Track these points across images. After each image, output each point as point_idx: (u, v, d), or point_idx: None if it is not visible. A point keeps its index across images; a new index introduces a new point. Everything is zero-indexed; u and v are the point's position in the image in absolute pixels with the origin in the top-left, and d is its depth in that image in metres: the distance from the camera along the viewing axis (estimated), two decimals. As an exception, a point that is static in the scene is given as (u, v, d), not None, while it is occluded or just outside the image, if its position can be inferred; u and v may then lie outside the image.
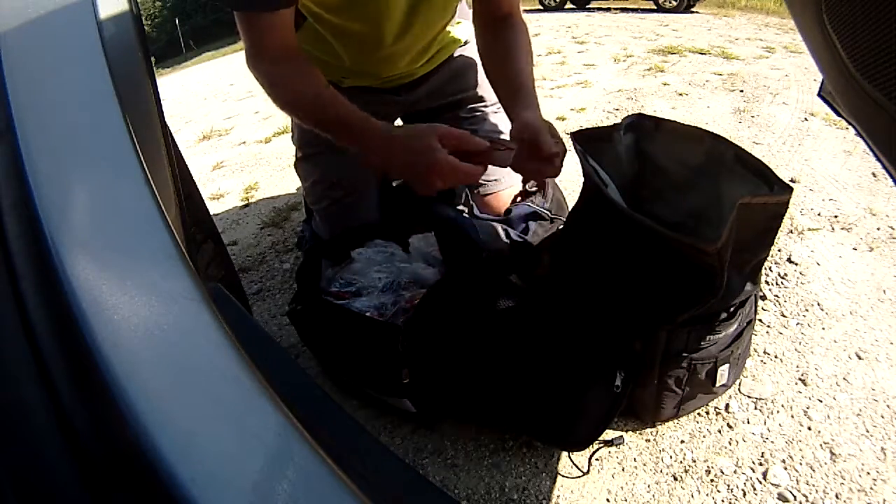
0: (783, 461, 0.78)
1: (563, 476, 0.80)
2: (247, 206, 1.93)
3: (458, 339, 0.82)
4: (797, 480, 0.75)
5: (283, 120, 2.97)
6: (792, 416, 0.85)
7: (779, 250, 1.25)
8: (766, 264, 1.19)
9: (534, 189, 1.17)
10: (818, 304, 1.07)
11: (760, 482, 0.75)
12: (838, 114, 0.47)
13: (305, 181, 1.16)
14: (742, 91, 2.48)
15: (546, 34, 4.81)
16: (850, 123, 0.44)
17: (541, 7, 7.83)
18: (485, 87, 1.14)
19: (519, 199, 1.16)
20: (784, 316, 1.06)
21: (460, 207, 1.10)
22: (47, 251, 0.31)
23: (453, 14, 1.01)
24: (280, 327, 1.22)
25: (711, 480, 0.77)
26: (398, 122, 1.37)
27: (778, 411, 0.86)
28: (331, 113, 0.80)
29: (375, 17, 0.90)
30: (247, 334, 0.40)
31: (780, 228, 0.74)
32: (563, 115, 2.34)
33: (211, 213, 0.98)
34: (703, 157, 0.81)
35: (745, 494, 0.74)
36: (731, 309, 0.76)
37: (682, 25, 4.99)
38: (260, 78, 0.82)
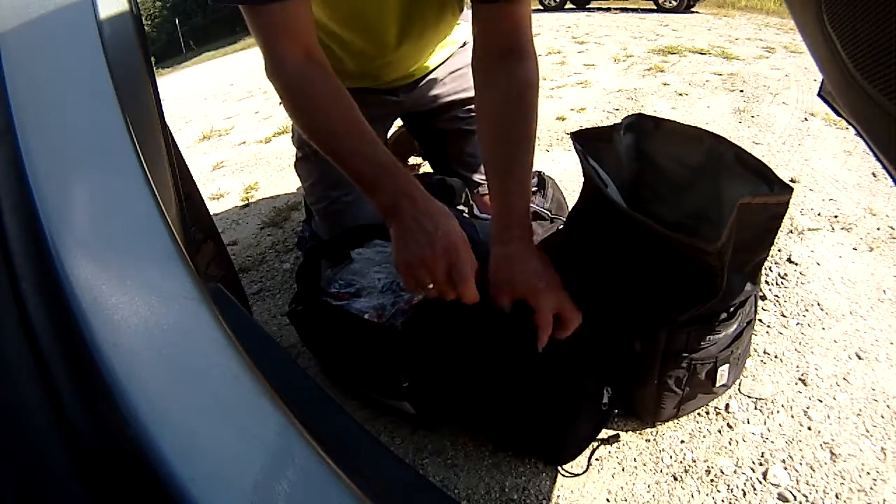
0: (783, 461, 0.78)
1: (563, 476, 0.80)
2: (247, 206, 1.93)
3: (457, 342, 0.82)
4: (797, 480, 0.75)
5: (283, 120, 2.98)
6: (792, 416, 0.85)
7: (779, 250, 1.25)
8: (766, 264, 1.19)
9: (534, 189, 1.17)
10: (818, 304, 1.07)
11: (760, 482, 0.75)
12: (838, 114, 0.47)
13: (305, 181, 1.16)
14: (742, 91, 2.48)
15: (546, 34, 4.81)
16: (850, 123, 0.44)
17: (541, 7, 7.84)
18: None
19: (519, 199, 1.16)
20: (784, 316, 1.06)
21: (460, 207, 1.11)
22: (47, 251, 0.31)
23: (454, 14, 1.01)
24: (280, 327, 1.22)
25: (711, 480, 0.77)
26: (397, 122, 1.37)
27: (778, 411, 0.86)
28: (346, 145, 0.70)
29: (374, 27, 0.90)
30: (247, 334, 0.40)
31: (780, 228, 0.74)
32: (563, 115, 2.35)
33: (211, 213, 0.98)
34: (703, 157, 0.81)
35: (745, 494, 0.74)
36: (731, 309, 0.76)
37: (682, 25, 4.99)
38: (279, 89, 0.72)
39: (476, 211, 1.12)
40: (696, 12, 6.45)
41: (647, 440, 0.84)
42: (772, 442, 0.81)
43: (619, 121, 0.86)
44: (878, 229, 1.29)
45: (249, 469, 0.26)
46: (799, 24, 0.42)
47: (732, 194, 0.75)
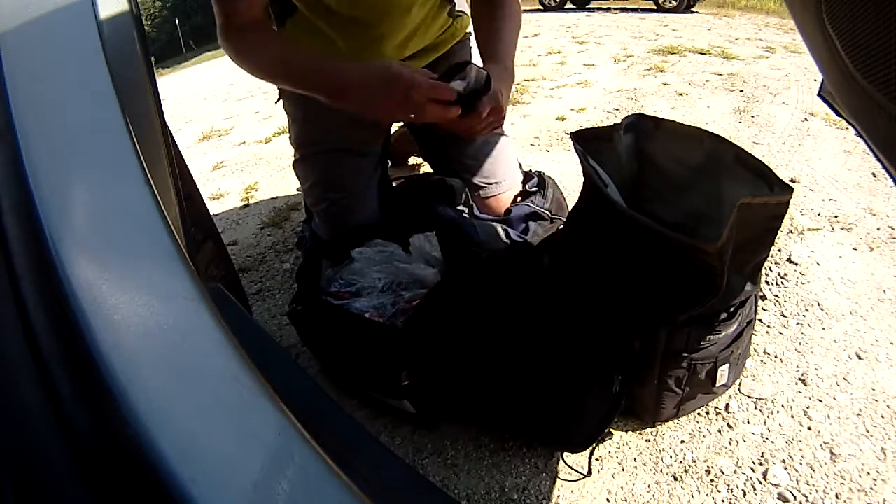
0: (783, 461, 0.78)
1: (563, 476, 0.80)
2: (247, 206, 1.92)
3: (458, 341, 0.82)
4: (797, 480, 0.75)
5: (284, 120, 2.97)
6: (792, 416, 0.85)
7: (779, 250, 1.25)
8: (766, 264, 1.19)
9: (534, 189, 1.17)
10: (818, 304, 1.07)
11: (760, 482, 0.75)
12: (838, 114, 0.47)
13: (304, 183, 1.16)
14: (742, 91, 2.48)
15: (546, 34, 4.81)
16: (850, 123, 0.44)
17: (541, 7, 7.83)
18: None
19: (519, 199, 1.16)
20: (784, 316, 1.06)
21: (460, 208, 1.10)
22: (47, 251, 0.31)
23: None
24: (280, 327, 1.22)
25: (711, 480, 0.77)
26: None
27: (778, 411, 0.86)
28: (299, 64, 0.85)
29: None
30: (247, 334, 0.40)
31: (780, 228, 0.74)
32: (563, 115, 2.34)
33: (211, 213, 0.98)
34: (703, 157, 0.81)
35: (745, 494, 0.74)
36: (731, 309, 0.76)
37: (682, 25, 4.99)
38: (230, 49, 0.87)
39: (476, 211, 1.12)
40: (696, 12, 6.45)
41: (647, 440, 0.84)
42: (772, 442, 0.81)
43: (619, 121, 0.86)
44: (878, 229, 1.29)
45: (249, 469, 0.26)
46: (799, 23, 0.42)
47: (732, 194, 0.75)
